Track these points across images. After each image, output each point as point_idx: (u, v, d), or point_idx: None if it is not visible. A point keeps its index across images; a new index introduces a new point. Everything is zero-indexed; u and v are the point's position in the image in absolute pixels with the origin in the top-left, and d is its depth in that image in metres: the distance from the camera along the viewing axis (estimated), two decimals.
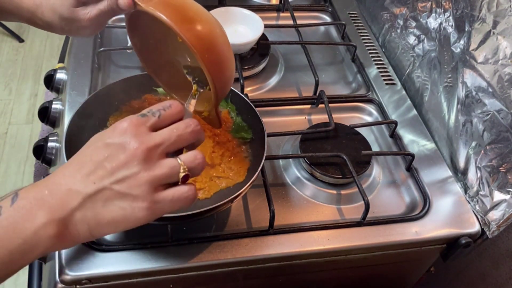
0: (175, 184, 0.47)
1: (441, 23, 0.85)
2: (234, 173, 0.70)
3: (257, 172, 0.65)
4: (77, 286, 0.62)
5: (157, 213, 0.46)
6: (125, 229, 0.46)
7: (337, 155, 0.77)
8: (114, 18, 1.02)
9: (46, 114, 0.88)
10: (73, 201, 0.44)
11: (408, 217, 0.74)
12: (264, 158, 0.67)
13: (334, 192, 0.77)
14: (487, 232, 0.73)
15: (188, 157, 0.47)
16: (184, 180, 0.47)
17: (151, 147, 0.45)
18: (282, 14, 1.14)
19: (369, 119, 0.93)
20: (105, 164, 0.44)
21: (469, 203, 0.77)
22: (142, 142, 0.45)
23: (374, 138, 0.89)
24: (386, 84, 0.97)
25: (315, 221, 0.73)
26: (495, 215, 0.72)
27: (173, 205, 0.46)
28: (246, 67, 0.93)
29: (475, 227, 0.74)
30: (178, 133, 0.47)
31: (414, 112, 0.92)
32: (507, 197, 0.70)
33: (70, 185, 0.44)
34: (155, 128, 0.47)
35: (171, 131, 0.47)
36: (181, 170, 0.46)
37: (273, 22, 1.13)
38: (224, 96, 0.60)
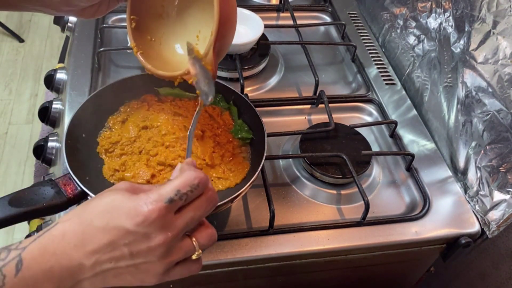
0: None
1: (441, 23, 0.85)
2: (234, 173, 0.70)
3: (257, 172, 0.65)
4: None
5: (162, 283, 0.47)
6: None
7: (337, 155, 0.77)
8: (114, 18, 1.03)
9: (46, 114, 0.88)
10: (84, 274, 0.43)
11: (408, 217, 0.74)
12: (264, 158, 0.67)
13: (334, 192, 0.77)
14: (487, 232, 0.73)
15: (203, 238, 0.47)
16: (196, 260, 0.48)
17: (173, 238, 0.44)
18: (282, 14, 1.14)
19: (369, 119, 0.93)
20: (124, 248, 0.43)
21: (469, 203, 0.77)
22: (167, 235, 0.43)
23: (374, 138, 0.89)
24: (386, 84, 0.97)
25: (315, 221, 0.73)
26: (495, 215, 0.72)
27: (179, 277, 0.48)
28: (246, 67, 0.93)
29: (475, 227, 0.74)
30: (200, 214, 0.46)
31: (414, 112, 0.92)
32: (507, 197, 0.70)
33: (82, 260, 0.43)
34: (180, 210, 0.45)
35: (194, 214, 0.45)
36: (195, 255, 0.47)
37: (273, 22, 1.13)
38: (224, 40, 0.57)
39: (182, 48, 0.64)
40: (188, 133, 0.55)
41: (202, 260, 0.49)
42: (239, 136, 0.73)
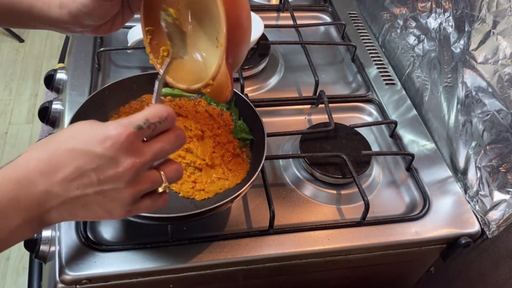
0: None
1: (441, 23, 0.85)
2: (234, 174, 0.70)
3: (257, 172, 0.65)
4: (77, 286, 0.62)
5: (130, 215, 0.47)
6: (98, 220, 0.46)
7: (337, 155, 0.77)
8: None
9: (46, 114, 0.88)
10: (52, 202, 0.43)
11: (408, 217, 0.74)
12: (264, 158, 0.67)
13: (334, 192, 0.77)
14: (487, 232, 0.73)
15: (171, 172, 0.47)
16: (162, 192, 0.48)
17: (141, 165, 0.44)
18: (282, 14, 1.14)
19: (369, 119, 0.93)
20: (92, 174, 0.43)
21: (469, 203, 0.77)
22: (135, 161, 0.43)
23: (374, 138, 0.89)
24: (386, 84, 0.97)
25: (315, 221, 0.73)
26: (495, 215, 0.72)
27: (146, 211, 0.48)
28: (246, 67, 0.93)
29: (475, 227, 0.74)
30: (168, 148, 0.46)
31: (414, 112, 0.92)
32: (507, 197, 0.70)
33: (49, 187, 0.42)
34: (148, 139, 0.46)
35: (162, 146, 0.46)
36: (162, 187, 0.47)
37: (273, 22, 1.13)
38: (238, 47, 0.55)
39: (199, 56, 0.64)
40: (156, 79, 0.54)
41: (167, 195, 0.49)
42: (240, 136, 0.73)
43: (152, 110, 0.45)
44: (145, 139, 0.46)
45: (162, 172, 0.47)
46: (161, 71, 0.56)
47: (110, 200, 0.44)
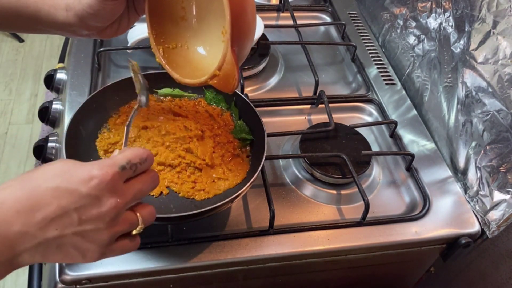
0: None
1: (441, 23, 0.85)
2: (234, 174, 0.70)
3: (257, 172, 0.65)
4: (77, 286, 0.62)
5: (103, 258, 0.46)
6: (69, 263, 0.45)
7: (337, 155, 0.77)
8: None
9: (46, 114, 0.88)
10: (26, 244, 0.40)
11: (408, 217, 0.74)
12: (264, 158, 0.67)
13: (334, 192, 0.77)
14: (487, 232, 0.73)
15: (146, 214, 0.47)
16: (136, 235, 0.48)
17: (123, 205, 0.44)
18: (282, 14, 1.14)
19: (369, 119, 0.93)
20: (74, 214, 0.41)
21: (469, 203, 0.77)
22: (117, 201, 0.43)
23: (374, 138, 0.89)
24: (386, 84, 0.97)
25: (315, 221, 0.73)
26: (495, 215, 0.72)
27: (120, 253, 0.47)
28: (246, 67, 0.93)
29: (475, 227, 0.74)
30: (145, 189, 0.47)
31: (414, 112, 0.92)
32: (507, 197, 0.70)
33: (25, 227, 0.40)
34: (128, 179, 0.46)
35: (141, 187, 0.46)
36: (138, 228, 0.47)
37: (273, 22, 1.13)
38: (243, 35, 0.55)
39: (205, 50, 0.64)
40: (126, 125, 0.56)
41: (139, 239, 0.49)
42: (240, 136, 0.73)
43: (133, 152, 0.46)
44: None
45: (138, 214, 0.47)
46: (129, 119, 0.57)
47: (88, 241, 0.43)
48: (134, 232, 0.47)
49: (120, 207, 0.44)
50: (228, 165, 0.70)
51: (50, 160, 0.82)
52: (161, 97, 0.76)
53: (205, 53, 0.63)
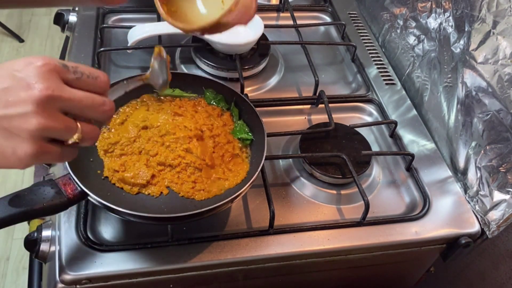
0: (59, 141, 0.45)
1: (441, 23, 0.85)
2: (234, 174, 0.70)
3: (257, 172, 0.65)
4: (77, 286, 0.62)
5: (36, 158, 0.43)
6: (4, 167, 0.43)
7: (337, 155, 0.77)
8: (114, 18, 1.03)
9: None
10: None
11: (408, 217, 0.74)
12: (264, 158, 0.67)
13: (334, 192, 0.77)
14: (487, 232, 0.73)
15: (88, 127, 0.45)
16: (71, 145, 0.45)
17: (55, 96, 0.42)
18: (282, 14, 1.14)
19: (369, 119, 0.93)
20: (1, 95, 0.41)
21: (469, 203, 0.77)
22: (49, 87, 0.42)
23: (374, 138, 0.89)
24: (386, 84, 0.97)
25: (315, 221, 0.73)
26: (495, 215, 0.72)
27: (52, 159, 0.45)
28: (246, 67, 0.93)
29: (475, 227, 0.74)
30: (90, 102, 0.44)
31: (414, 112, 0.92)
32: (507, 197, 0.70)
33: None
34: (69, 85, 0.44)
35: (85, 96, 0.44)
36: (75, 136, 0.44)
37: (273, 22, 1.13)
38: None
39: (203, 4, 0.62)
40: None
41: (77, 150, 0.47)
42: (240, 136, 0.73)
43: (87, 66, 0.45)
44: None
45: (78, 124, 0.45)
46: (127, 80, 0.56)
47: (16, 129, 0.41)
48: (70, 140, 0.44)
49: (52, 96, 0.42)
50: (228, 165, 0.70)
51: None
52: (161, 97, 0.76)
53: (203, 9, 0.62)
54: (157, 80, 0.59)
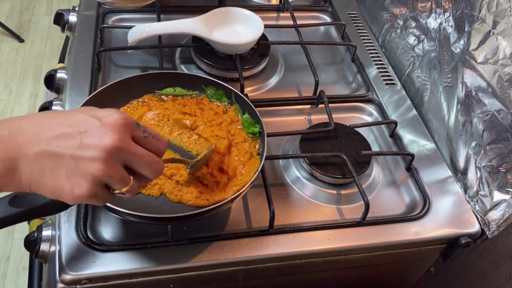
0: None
1: (441, 23, 0.85)
2: (244, 176, 0.67)
3: (257, 172, 0.65)
4: (77, 286, 0.62)
5: (87, 199, 0.46)
6: (59, 199, 0.46)
7: (337, 155, 0.77)
8: (114, 18, 1.03)
9: None
10: (30, 148, 0.44)
11: (408, 217, 0.74)
12: (264, 158, 0.67)
13: (334, 192, 0.77)
14: (487, 232, 0.73)
15: (135, 183, 0.49)
16: (116, 193, 0.49)
17: (124, 149, 0.46)
18: (282, 14, 1.14)
19: (369, 119, 0.93)
20: (78, 136, 0.45)
21: (469, 203, 0.77)
22: (121, 139, 0.46)
23: (374, 138, 0.89)
24: (386, 84, 0.97)
25: (315, 221, 0.73)
26: (495, 215, 0.72)
27: (99, 201, 0.48)
28: (246, 67, 0.93)
29: (475, 227, 0.74)
30: (150, 160, 0.49)
31: (414, 112, 0.92)
32: (507, 197, 0.70)
33: (35, 135, 0.44)
34: (136, 142, 0.48)
35: (147, 154, 0.48)
36: (124, 189, 0.48)
37: (273, 22, 1.13)
38: None
39: None
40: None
41: (114, 198, 0.50)
42: (250, 131, 0.72)
43: (151, 129, 0.51)
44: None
45: (131, 177, 0.48)
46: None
47: (81, 170, 0.45)
48: (116, 190, 0.48)
49: (122, 149, 0.45)
50: (243, 168, 0.68)
51: None
52: (163, 97, 0.76)
53: None
54: (194, 165, 0.64)
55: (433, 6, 0.87)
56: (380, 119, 0.91)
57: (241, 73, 0.88)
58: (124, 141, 0.46)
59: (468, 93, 0.77)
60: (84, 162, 0.44)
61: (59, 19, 1.02)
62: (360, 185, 0.73)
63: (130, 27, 0.89)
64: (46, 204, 0.56)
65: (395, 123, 0.87)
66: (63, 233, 0.65)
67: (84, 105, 0.68)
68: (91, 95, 0.70)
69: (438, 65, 0.86)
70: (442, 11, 0.84)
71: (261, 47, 0.97)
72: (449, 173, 0.82)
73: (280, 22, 1.13)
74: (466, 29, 0.77)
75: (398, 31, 0.99)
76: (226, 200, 0.61)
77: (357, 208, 0.76)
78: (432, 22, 0.88)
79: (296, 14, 1.08)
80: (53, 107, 0.87)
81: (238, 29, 0.97)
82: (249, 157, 0.70)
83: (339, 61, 1.05)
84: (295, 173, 0.79)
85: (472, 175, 0.77)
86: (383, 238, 0.71)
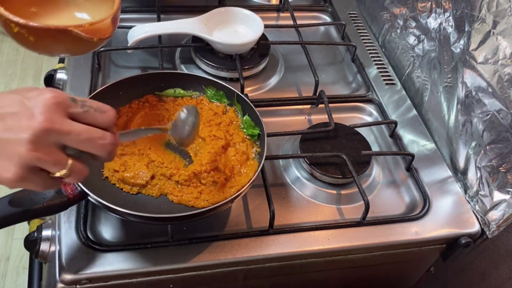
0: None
1: (441, 23, 0.85)
2: (243, 177, 0.67)
3: (257, 172, 0.65)
4: (77, 286, 0.62)
5: (19, 183, 0.44)
6: None
7: (337, 155, 0.77)
8: None
9: None
10: None
11: (408, 217, 0.74)
12: (264, 158, 0.67)
13: (334, 192, 0.77)
14: (487, 232, 0.73)
15: (77, 165, 0.46)
16: (57, 178, 0.46)
17: (54, 129, 0.43)
18: (282, 14, 1.14)
19: (369, 119, 0.93)
20: (6, 118, 0.43)
21: (469, 203, 0.77)
22: (50, 119, 0.43)
23: (374, 138, 0.89)
24: (386, 84, 0.97)
25: (315, 221, 0.73)
26: (495, 215, 0.72)
27: (34, 186, 0.46)
28: (246, 67, 0.93)
29: (475, 227, 0.74)
30: (90, 136, 0.45)
31: (414, 112, 0.92)
32: (507, 197, 0.70)
33: None
34: (75, 118, 0.45)
35: (84, 130, 0.45)
36: (63, 172, 0.45)
37: (273, 22, 1.13)
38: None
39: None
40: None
41: (60, 184, 0.48)
42: (249, 132, 0.72)
43: (96, 101, 0.47)
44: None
45: (70, 160, 0.45)
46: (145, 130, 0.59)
47: (8, 153, 0.42)
48: (57, 174, 0.45)
49: (50, 130, 0.43)
50: (241, 168, 0.69)
51: None
52: (163, 98, 0.76)
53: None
54: (179, 134, 0.60)
55: (433, 6, 0.87)
56: (380, 119, 0.91)
57: (241, 73, 0.88)
58: (54, 120, 0.43)
59: (468, 93, 0.77)
60: (11, 145, 0.42)
61: None
62: (360, 185, 0.73)
63: (130, 27, 0.89)
64: (46, 204, 0.56)
65: (395, 123, 0.87)
66: (63, 233, 0.65)
67: None
68: (91, 95, 0.70)
69: (438, 65, 0.86)
70: (442, 11, 0.84)
71: (261, 47, 0.97)
72: (449, 173, 0.82)
73: (280, 22, 1.13)
74: (466, 29, 0.77)
75: (398, 31, 0.99)
76: (226, 200, 0.61)
77: (357, 208, 0.76)
78: (432, 22, 0.88)
79: (296, 14, 1.08)
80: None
81: (238, 29, 0.97)
82: (246, 158, 0.70)
83: (339, 61, 1.05)
84: (295, 173, 0.79)
85: (472, 175, 0.77)
86: (383, 238, 0.71)
